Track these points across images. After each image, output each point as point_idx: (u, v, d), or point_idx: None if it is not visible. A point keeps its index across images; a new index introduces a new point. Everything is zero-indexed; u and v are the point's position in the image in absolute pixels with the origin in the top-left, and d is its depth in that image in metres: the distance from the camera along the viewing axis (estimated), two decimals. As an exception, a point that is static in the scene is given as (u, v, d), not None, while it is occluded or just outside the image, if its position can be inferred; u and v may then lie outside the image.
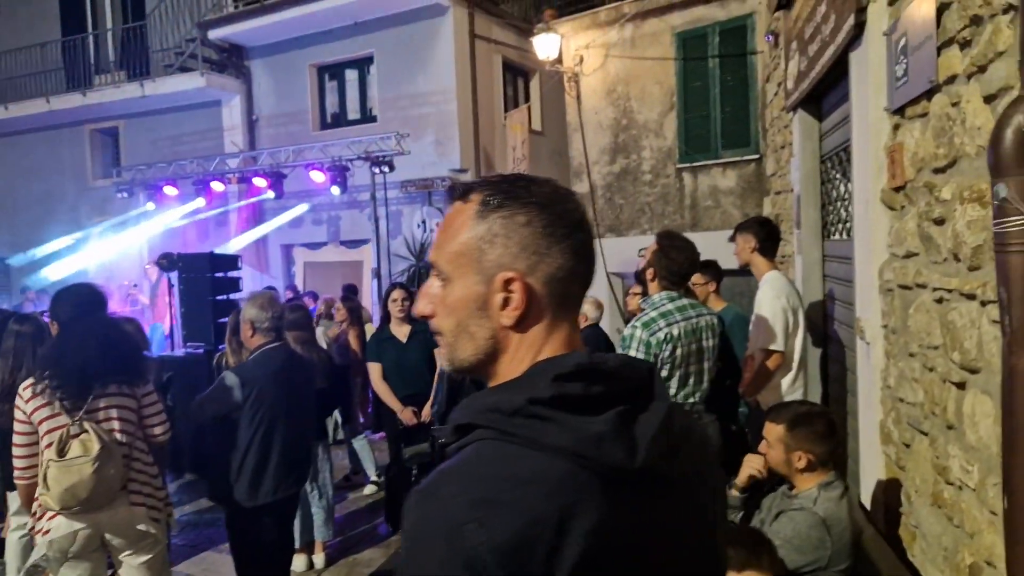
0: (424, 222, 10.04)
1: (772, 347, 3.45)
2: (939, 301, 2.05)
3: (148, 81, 10.70)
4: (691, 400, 3.07)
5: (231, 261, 6.66)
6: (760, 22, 8.07)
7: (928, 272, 2.13)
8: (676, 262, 3.05)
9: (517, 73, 11.46)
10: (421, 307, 0.93)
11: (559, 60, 9.56)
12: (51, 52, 11.83)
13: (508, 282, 0.85)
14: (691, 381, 3.05)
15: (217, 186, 10.01)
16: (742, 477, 2.46)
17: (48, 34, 12.08)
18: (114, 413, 2.78)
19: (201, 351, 6.30)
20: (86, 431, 2.68)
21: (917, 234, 2.23)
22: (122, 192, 10.59)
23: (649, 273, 3.10)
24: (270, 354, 3.12)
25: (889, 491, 2.63)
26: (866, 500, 2.92)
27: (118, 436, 2.78)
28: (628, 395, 0.81)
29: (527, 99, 11.57)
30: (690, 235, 9.24)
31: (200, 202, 10.24)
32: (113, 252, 11.21)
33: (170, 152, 10.90)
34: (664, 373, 2.98)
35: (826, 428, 2.31)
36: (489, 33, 10.47)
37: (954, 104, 1.99)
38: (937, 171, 2.10)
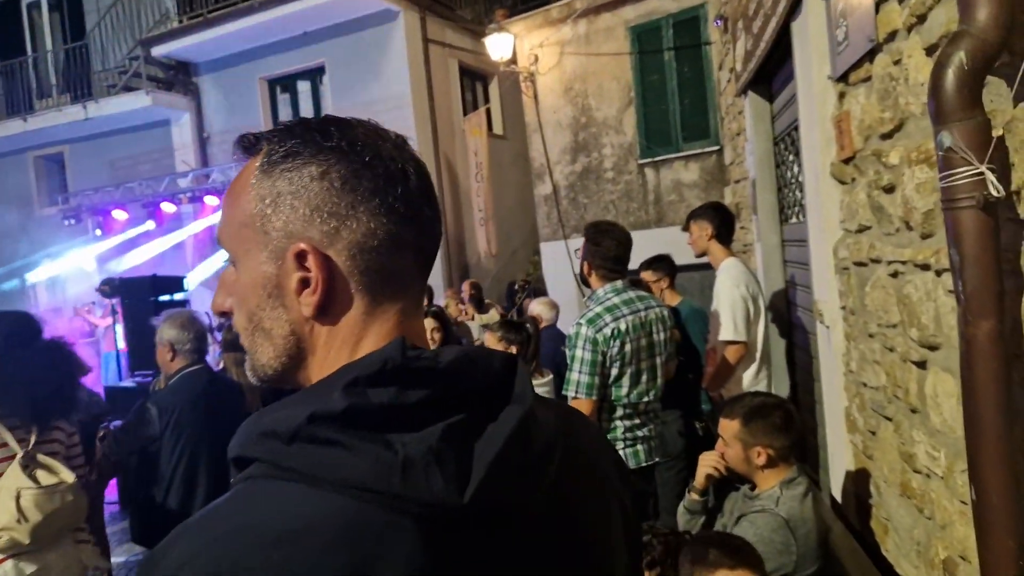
0: (386, 232, 9.80)
1: (732, 338, 3.29)
2: (894, 275, 1.89)
3: (91, 103, 10.34)
4: (646, 399, 2.89)
5: (176, 283, 6.39)
6: (711, 12, 7.99)
7: (881, 245, 1.97)
8: (605, 247, 2.87)
9: (475, 77, 11.30)
10: (218, 301, 0.73)
11: (514, 60, 9.41)
12: (-11, 78, 11.43)
13: (301, 256, 0.65)
14: (644, 378, 2.87)
15: (168, 207, 9.68)
16: (699, 478, 2.29)
17: (-16, 60, 11.67)
18: (57, 448, 2.58)
19: (150, 380, 6.01)
20: (40, 463, 2.46)
21: (868, 205, 2.07)
22: (69, 219, 10.20)
23: (585, 267, 2.93)
24: (190, 378, 2.89)
25: (858, 482, 2.47)
26: (836, 493, 2.76)
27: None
28: (470, 400, 0.61)
29: (487, 103, 11.41)
30: (655, 231, 9.07)
31: (150, 225, 9.90)
32: (62, 282, 10.81)
33: (120, 176, 10.55)
34: (614, 371, 2.80)
35: (784, 420, 2.14)
36: (443, 37, 10.30)
37: (896, 62, 1.84)
38: (884, 136, 1.95)
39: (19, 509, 2.35)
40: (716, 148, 8.53)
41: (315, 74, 10.23)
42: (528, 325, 3.47)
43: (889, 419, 2.06)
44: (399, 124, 8.72)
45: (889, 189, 1.88)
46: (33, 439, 2.49)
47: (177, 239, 10.09)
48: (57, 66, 11.34)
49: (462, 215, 10.54)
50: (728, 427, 2.19)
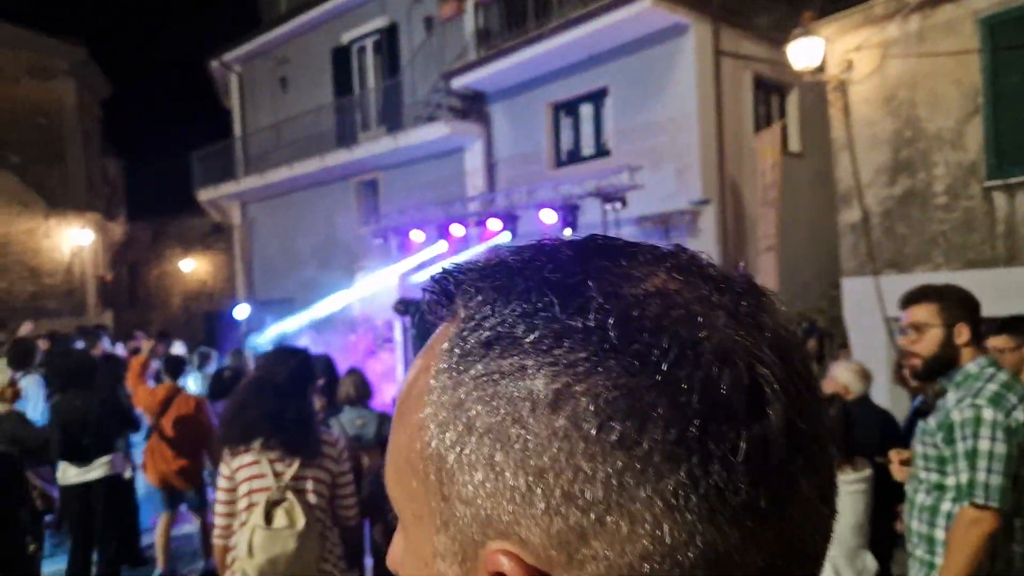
0: (662, 260, 9.28)
1: None
2: None
3: (401, 133, 11.48)
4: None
5: (458, 306, 6.59)
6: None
7: None
8: (973, 304, 2.19)
9: (770, 89, 10.26)
10: (390, 559, 0.43)
11: (821, 68, 8.22)
12: (326, 115, 13.38)
13: None
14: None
15: (457, 229, 10.27)
16: None
17: (323, 99, 13.71)
18: (310, 486, 2.66)
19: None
20: (287, 499, 2.56)
21: None
22: (378, 238, 11.43)
23: (961, 333, 2.14)
24: None
25: None
26: None
27: (315, 512, 2.63)
28: None
29: (783, 117, 10.28)
30: (1004, 272, 7.24)
31: (443, 245, 10.61)
32: (372, 294, 12.20)
33: (419, 199, 11.56)
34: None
35: None
36: (737, 48, 9.48)
37: None
38: None
39: (250, 545, 2.50)
40: (1113, 165, 6.43)
41: (598, 97, 10.12)
42: (833, 406, 2.66)
43: None
44: (682, 145, 8.15)
45: None
46: (290, 472, 2.59)
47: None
48: (377, 102, 12.87)
49: (745, 244, 9.55)
50: None
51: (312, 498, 2.62)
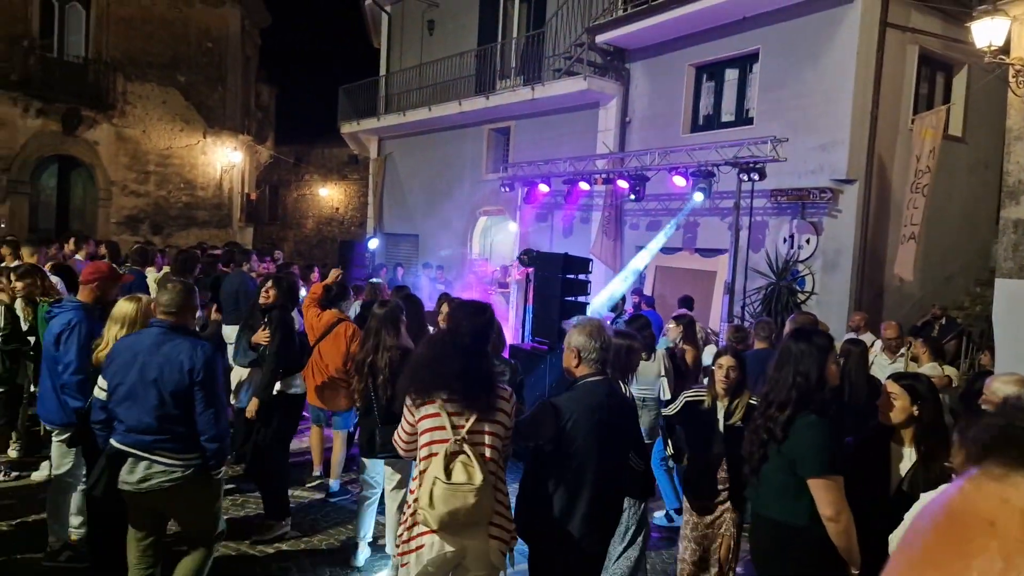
0: (792, 237, 9.00)
1: None
2: None
3: (538, 85, 11.57)
4: None
5: (583, 264, 6.76)
6: None
7: None
8: None
9: (937, 67, 9.50)
10: None
11: (1004, 50, 7.52)
12: (467, 61, 13.65)
13: None
14: None
15: (583, 186, 10.38)
16: None
17: (467, 45, 13.96)
18: (486, 440, 2.68)
19: (545, 348, 6.52)
20: (465, 453, 2.60)
21: None
22: (505, 186, 11.73)
23: None
24: (592, 388, 2.82)
25: None
26: None
27: (490, 465, 2.66)
28: None
29: (947, 99, 9.52)
30: None
31: (567, 201, 10.77)
32: (495, 240, 12.61)
33: (549, 152, 11.70)
34: None
35: None
36: (906, 21, 8.82)
37: None
38: None
39: (431, 496, 2.55)
40: None
41: (746, 61, 9.74)
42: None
43: None
44: (832, 120, 7.79)
45: None
46: (467, 425, 2.63)
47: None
48: (519, 52, 12.98)
49: (887, 228, 9.06)
50: None
51: (487, 451, 2.64)
